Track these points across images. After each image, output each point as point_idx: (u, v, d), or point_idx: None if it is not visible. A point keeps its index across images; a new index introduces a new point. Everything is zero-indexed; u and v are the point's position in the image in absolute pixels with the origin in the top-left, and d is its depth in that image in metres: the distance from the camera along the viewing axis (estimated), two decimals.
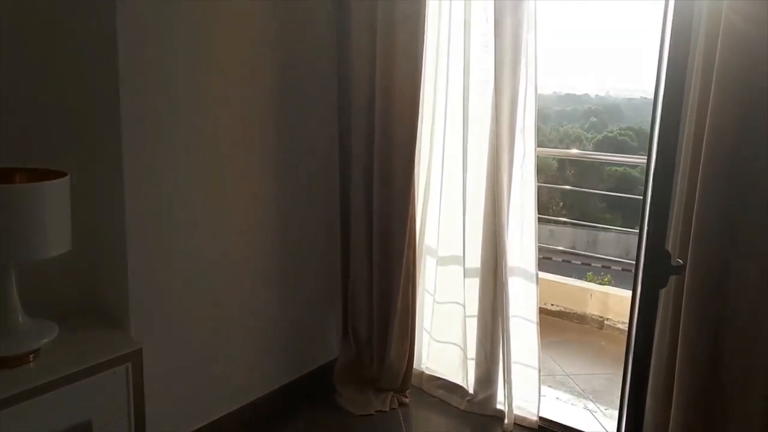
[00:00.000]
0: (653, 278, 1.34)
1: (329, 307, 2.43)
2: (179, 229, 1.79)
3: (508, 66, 1.99)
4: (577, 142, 32.87)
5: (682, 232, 1.60)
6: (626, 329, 3.11)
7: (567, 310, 3.24)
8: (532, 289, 2.11)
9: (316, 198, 2.28)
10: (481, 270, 2.18)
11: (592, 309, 3.16)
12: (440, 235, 2.29)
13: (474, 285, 2.21)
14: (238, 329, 2.04)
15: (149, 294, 1.72)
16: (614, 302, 3.10)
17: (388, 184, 2.14)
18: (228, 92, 1.88)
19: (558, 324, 3.20)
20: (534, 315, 2.12)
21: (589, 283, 3.31)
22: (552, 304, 3.26)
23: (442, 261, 2.31)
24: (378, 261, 2.23)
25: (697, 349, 1.56)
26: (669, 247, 1.35)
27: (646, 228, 1.34)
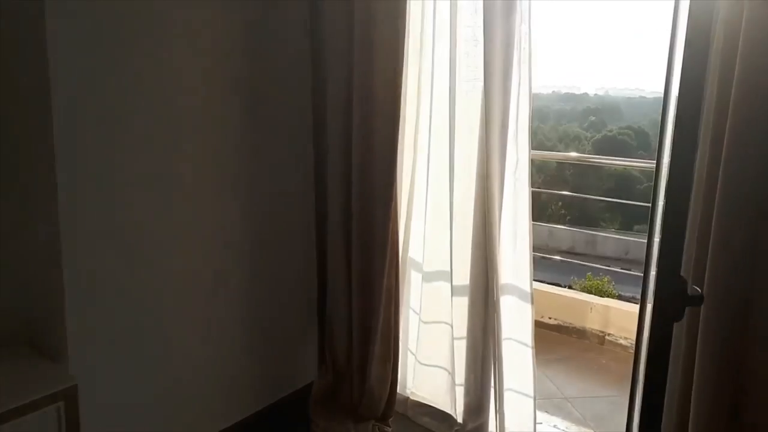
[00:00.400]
0: (666, 309, 1.13)
1: (305, 327, 2.23)
2: (129, 244, 1.59)
3: (499, 62, 1.78)
4: (576, 141, 32.74)
5: (697, 251, 1.40)
6: (629, 345, 2.92)
7: (565, 324, 3.04)
8: (526, 309, 1.91)
9: (289, 212, 2.08)
10: (471, 287, 1.97)
11: (593, 323, 2.96)
12: (426, 249, 2.08)
13: (463, 304, 2.00)
14: (199, 356, 1.84)
15: (92, 319, 1.52)
16: (616, 316, 2.91)
17: (367, 196, 1.94)
18: (188, 105, 1.68)
19: (555, 339, 3.00)
20: (529, 338, 1.91)
21: (589, 296, 3.11)
22: (549, 318, 3.06)
23: (428, 277, 2.10)
24: (357, 277, 2.02)
25: (717, 389, 1.35)
26: (684, 272, 1.16)
27: (656, 247, 1.14)
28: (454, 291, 2.00)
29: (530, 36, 1.80)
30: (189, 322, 1.80)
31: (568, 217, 24.65)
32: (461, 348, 2.03)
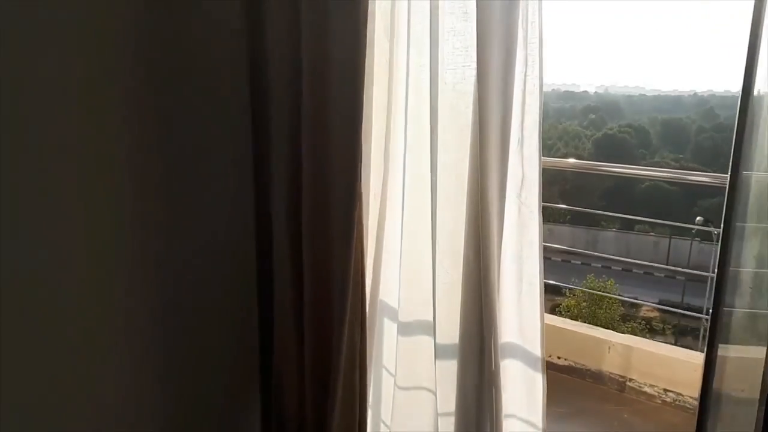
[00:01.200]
0: None
1: (246, 385, 1.73)
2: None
3: (498, 43, 1.29)
4: (576, 139, 32.34)
5: None
6: (656, 395, 2.43)
7: (578, 366, 2.54)
8: (536, 380, 1.41)
9: (220, 252, 1.57)
10: (461, 347, 1.48)
11: (611, 365, 2.47)
12: (402, 292, 1.58)
13: (450, 368, 1.51)
14: None
15: None
16: (639, 358, 2.41)
17: (322, 227, 1.44)
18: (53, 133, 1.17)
19: (566, 385, 2.50)
20: (539, 418, 1.42)
21: (607, 332, 2.62)
22: (559, 357, 2.57)
23: (406, 329, 1.60)
24: (312, 329, 1.52)
25: None
26: None
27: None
28: (440, 351, 1.50)
29: (540, 8, 1.31)
30: (90, 404, 1.30)
31: (568, 216, 24.28)
32: (449, 425, 1.53)
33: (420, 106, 1.42)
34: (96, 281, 1.29)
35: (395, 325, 1.62)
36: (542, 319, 1.38)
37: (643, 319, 17.89)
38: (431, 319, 1.51)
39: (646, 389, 2.40)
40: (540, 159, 1.33)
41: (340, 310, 1.44)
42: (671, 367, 2.36)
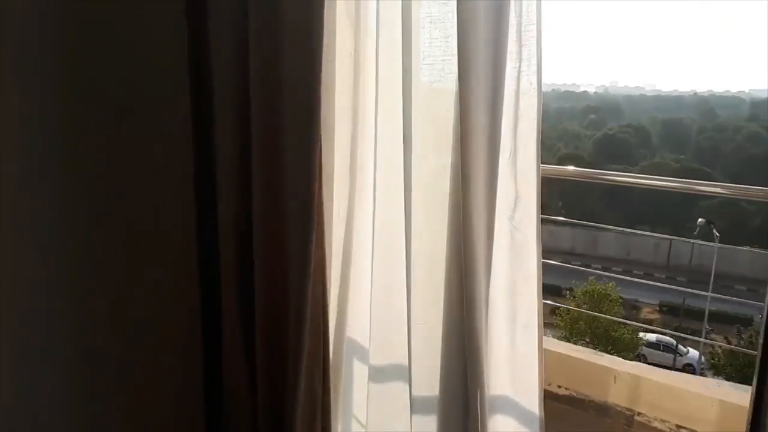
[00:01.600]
0: None
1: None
2: None
3: (485, 33, 1.04)
4: (576, 139, 32.14)
5: None
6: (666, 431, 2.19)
7: (580, 396, 2.29)
8: None
9: (163, 285, 1.31)
10: (441, 401, 1.22)
11: (617, 397, 2.21)
12: (373, 330, 1.33)
13: (429, 423, 1.25)
14: None
15: None
16: (649, 389, 2.16)
17: (275, 252, 1.18)
18: None
19: (567, 416, 2.25)
20: None
21: (613, 359, 2.37)
22: (559, 386, 2.31)
23: (378, 374, 1.35)
24: (265, 371, 1.28)
25: None
26: None
27: None
28: (417, 404, 1.25)
29: None
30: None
31: (568, 216, 24.10)
32: None
33: (391, 110, 1.17)
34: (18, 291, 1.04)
35: (365, 368, 1.37)
36: (542, 370, 1.13)
37: (644, 321, 17.70)
38: (406, 362, 1.26)
39: (656, 424, 2.14)
40: (538, 174, 1.08)
41: (296, 349, 1.19)
42: (685, 400, 2.10)
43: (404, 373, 1.27)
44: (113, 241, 1.21)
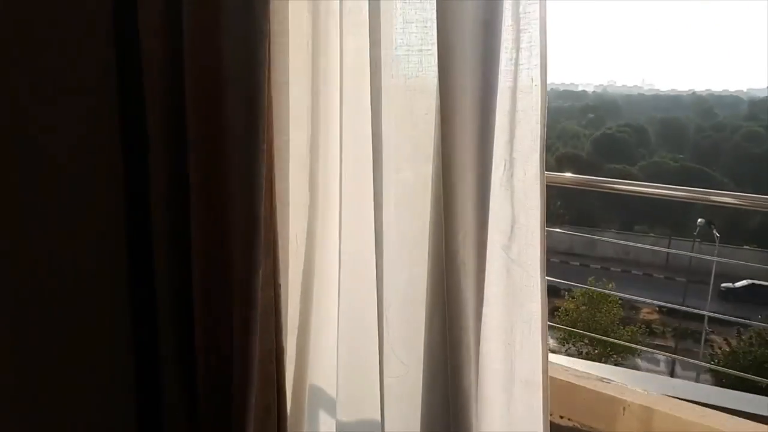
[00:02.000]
0: None
1: None
2: None
3: (473, 16, 0.82)
4: (575, 138, 31.95)
5: None
6: None
7: (585, 429, 2.06)
8: None
9: (91, 341, 1.08)
10: None
11: (626, 430, 1.99)
12: (340, 378, 1.10)
13: None
14: None
15: None
16: (662, 422, 1.93)
17: (217, 299, 0.96)
18: None
19: None
20: None
21: (622, 388, 2.15)
22: (561, 417, 2.09)
23: (348, 430, 1.12)
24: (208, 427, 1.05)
25: None
26: None
27: None
28: None
29: None
30: None
31: (566, 216, 23.94)
32: None
33: (358, 113, 0.94)
34: None
35: (333, 423, 1.14)
36: None
37: (643, 322, 17.52)
38: (377, 416, 1.03)
39: None
40: (542, 193, 0.86)
41: (240, 407, 0.97)
42: None
43: (375, 429, 1.04)
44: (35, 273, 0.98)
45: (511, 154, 0.85)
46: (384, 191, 0.91)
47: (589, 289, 15.34)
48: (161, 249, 0.98)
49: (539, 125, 0.82)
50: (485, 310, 0.88)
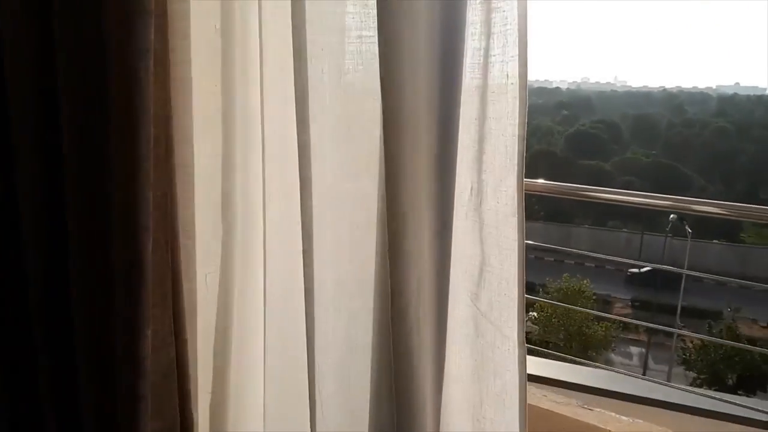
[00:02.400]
0: None
1: None
2: None
3: None
4: (549, 135, 32.15)
5: None
6: None
7: None
8: None
9: None
10: None
11: None
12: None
13: None
14: None
15: None
16: None
17: (99, 367, 0.73)
18: None
19: None
20: None
21: (606, 416, 1.97)
22: None
23: None
24: None
25: None
26: None
27: None
28: None
29: None
30: None
31: (541, 212, 24.05)
32: None
33: (280, 117, 0.72)
34: None
35: None
36: None
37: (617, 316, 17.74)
38: None
39: None
40: (521, 227, 0.65)
41: None
42: None
43: None
44: None
45: (479, 176, 0.64)
46: (315, 221, 0.69)
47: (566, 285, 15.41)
48: (39, 317, 0.75)
49: (516, 138, 0.61)
50: (448, 377, 0.67)
